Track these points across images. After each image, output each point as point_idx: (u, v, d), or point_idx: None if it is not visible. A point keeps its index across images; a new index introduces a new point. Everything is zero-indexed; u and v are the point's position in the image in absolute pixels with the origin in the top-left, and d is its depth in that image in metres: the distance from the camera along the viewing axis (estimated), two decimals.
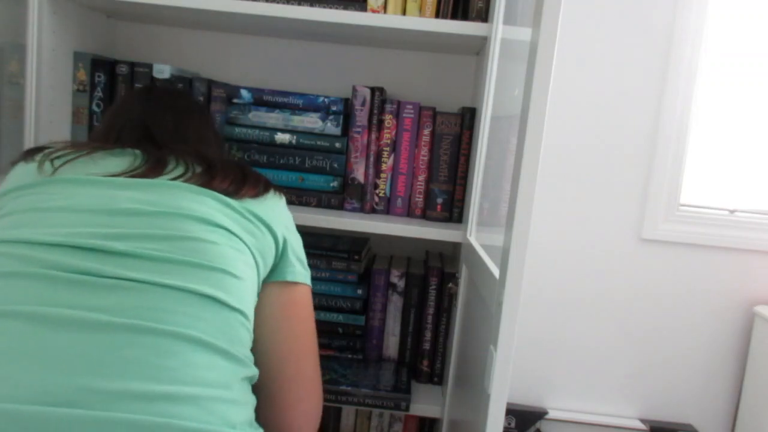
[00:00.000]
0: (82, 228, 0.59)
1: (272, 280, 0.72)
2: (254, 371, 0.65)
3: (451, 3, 1.07)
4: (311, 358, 0.75)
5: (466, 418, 0.84)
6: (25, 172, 0.68)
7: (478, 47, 1.15)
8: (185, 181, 0.67)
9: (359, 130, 1.12)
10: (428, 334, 1.15)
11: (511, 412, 1.52)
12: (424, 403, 1.08)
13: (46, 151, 0.70)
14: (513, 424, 1.52)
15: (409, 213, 1.15)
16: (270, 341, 0.71)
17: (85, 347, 0.53)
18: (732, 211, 1.54)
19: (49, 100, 1.10)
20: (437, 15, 1.06)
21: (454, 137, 1.12)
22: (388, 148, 1.13)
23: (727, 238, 1.50)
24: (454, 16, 1.07)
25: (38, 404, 0.50)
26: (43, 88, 1.08)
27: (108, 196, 0.62)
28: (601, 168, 1.50)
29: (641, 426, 1.52)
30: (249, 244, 0.67)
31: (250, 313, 0.65)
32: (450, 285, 1.13)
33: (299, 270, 0.74)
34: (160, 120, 0.81)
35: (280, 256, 0.73)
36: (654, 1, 1.44)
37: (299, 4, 1.07)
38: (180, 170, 0.69)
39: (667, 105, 1.46)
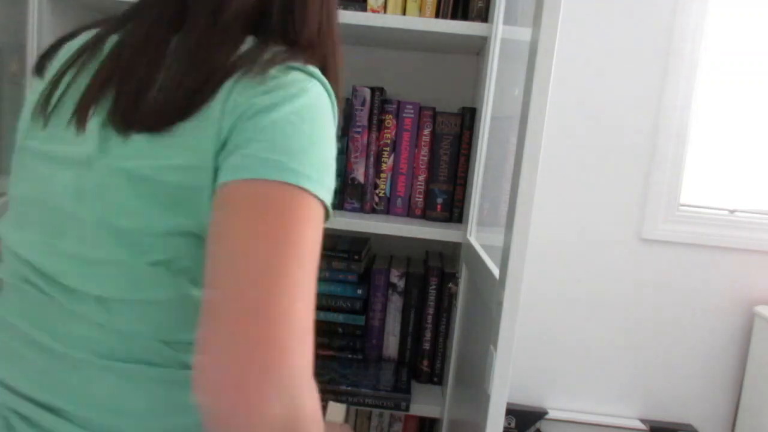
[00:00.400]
0: (28, 234, 0.56)
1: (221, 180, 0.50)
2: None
3: (451, 3, 1.07)
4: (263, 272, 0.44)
5: (466, 418, 0.84)
6: (27, 108, 0.60)
7: (478, 47, 1.15)
8: (109, 123, 0.52)
9: (359, 130, 1.12)
10: (428, 334, 1.15)
11: (511, 412, 1.52)
12: (424, 403, 1.08)
13: (49, 87, 0.58)
14: (513, 424, 1.52)
15: (409, 213, 1.15)
16: (211, 259, 0.48)
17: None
18: (732, 211, 1.54)
19: None
20: (437, 15, 1.06)
21: (454, 137, 1.12)
22: (388, 148, 1.13)
23: (727, 238, 1.50)
24: (454, 16, 1.07)
25: None
26: None
27: (47, 180, 0.56)
28: (601, 168, 1.50)
29: (641, 426, 1.52)
30: (168, 229, 0.51)
31: (142, 333, 0.55)
32: (450, 285, 1.13)
33: (245, 164, 0.48)
34: None
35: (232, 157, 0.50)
36: (654, 0, 1.44)
37: None
38: (108, 103, 0.53)
39: (667, 104, 1.46)
